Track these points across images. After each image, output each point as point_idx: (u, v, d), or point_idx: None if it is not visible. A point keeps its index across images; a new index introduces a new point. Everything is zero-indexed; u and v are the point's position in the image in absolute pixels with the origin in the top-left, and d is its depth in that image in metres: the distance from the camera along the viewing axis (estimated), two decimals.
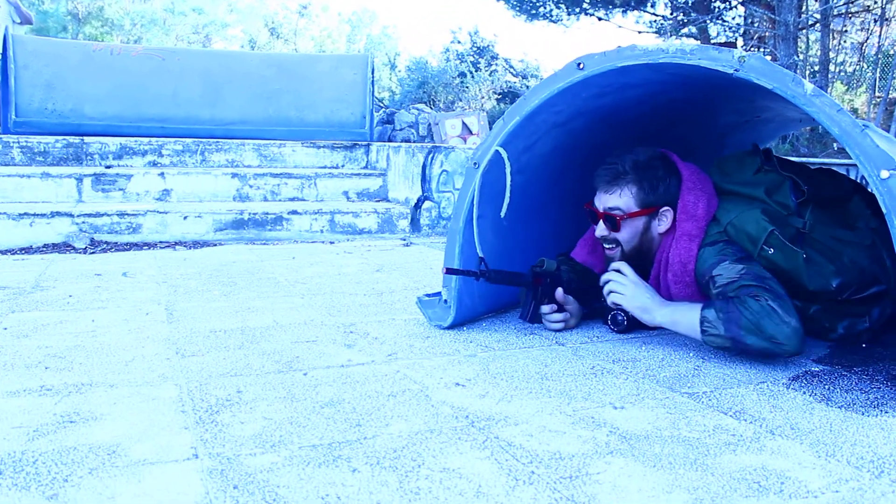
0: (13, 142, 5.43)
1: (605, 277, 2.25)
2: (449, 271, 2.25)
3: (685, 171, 2.27)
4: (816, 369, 2.01)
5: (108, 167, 5.42)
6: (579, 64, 2.09)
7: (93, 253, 4.10)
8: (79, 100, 6.18)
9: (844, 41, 13.07)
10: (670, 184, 2.24)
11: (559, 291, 2.34)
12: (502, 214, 2.29)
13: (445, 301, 2.40)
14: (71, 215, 4.45)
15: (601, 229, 2.28)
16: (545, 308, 2.35)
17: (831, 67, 11.60)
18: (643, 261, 2.31)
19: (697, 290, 2.20)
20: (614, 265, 2.25)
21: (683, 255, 2.19)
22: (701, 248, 2.18)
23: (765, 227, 2.12)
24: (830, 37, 11.66)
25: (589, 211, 2.33)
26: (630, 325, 2.29)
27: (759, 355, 1.97)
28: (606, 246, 2.30)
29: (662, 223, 2.25)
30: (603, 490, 1.27)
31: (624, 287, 2.20)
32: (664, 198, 2.24)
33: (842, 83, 12.82)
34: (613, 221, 2.25)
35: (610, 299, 2.24)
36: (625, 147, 2.28)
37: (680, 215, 2.22)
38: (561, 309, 2.36)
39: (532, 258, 2.43)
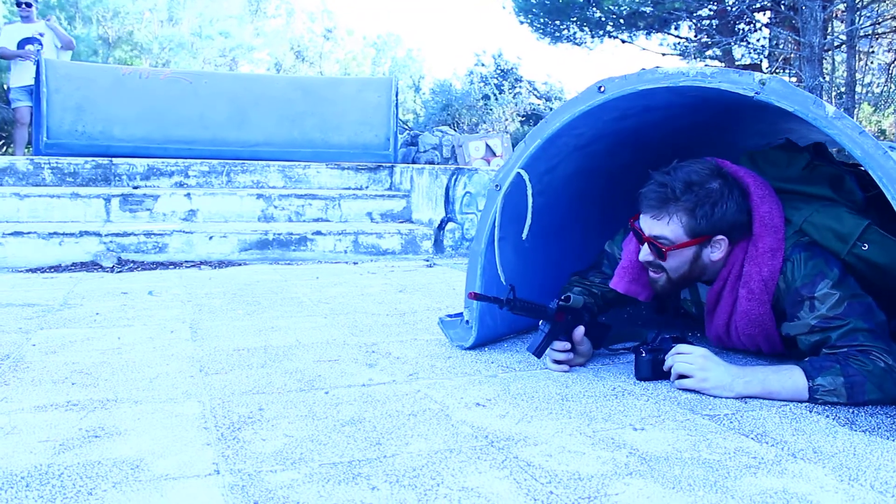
0: (44, 163, 5.53)
1: (670, 360, 2.00)
2: (475, 297, 2.07)
3: (749, 180, 2.06)
4: None
5: (135, 188, 5.50)
6: (600, 87, 2.10)
7: (120, 272, 4.15)
8: (108, 122, 6.29)
9: (871, 62, 12.98)
10: (729, 204, 1.99)
11: (579, 331, 2.15)
12: (524, 236, 2.30)
13: (467, 322, 2.41)
14: (99, 235, 4.52)
15: (645, 254, 2.08)
16: (557, 344, 2.15)
17: (858, 89, 11.53)
18: (692, 282, 2.17)
19: (767, 317, 2.02)
20: (677, 348, 2.01)
21: (766, 273, 1.98)
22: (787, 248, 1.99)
23: (858, 223, 1.94)
24: (857, 58, 11.60)
25: (633, 229, 2.12)
26: (655, 375, 2.06)
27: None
28: (651, 270, 2.11)
29: (716, 252, 2.04)
30: None
31: (697, 368, 1.94)
32: (720, 225, 2.00)
33: (869, 104, 12.74)
34: (659, 250, 2.04)
35: (682, 385, 1.97)
36: (677, 160, 2.08)
37: (759, 229, 2.00)
38: (572, 349, 2.18)
39: (553, 279, 2.43)
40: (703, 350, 1.96)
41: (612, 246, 2.38)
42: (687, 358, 1.95)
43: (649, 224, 2.04)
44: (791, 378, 1.87)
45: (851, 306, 1.87)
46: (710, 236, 2.01)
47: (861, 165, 1.76)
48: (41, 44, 7.77)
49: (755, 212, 2.02)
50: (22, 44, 7.66)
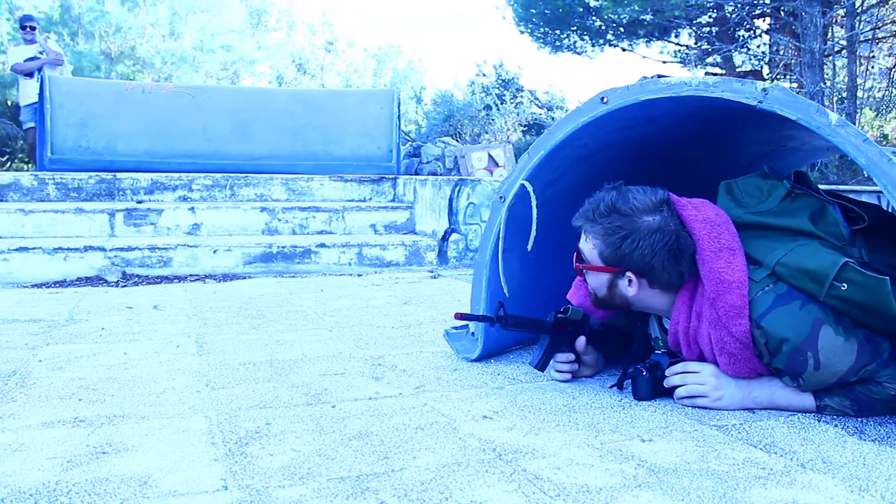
0: (48, 178, 5.55)
1: (674, 378, 1.94)
2: (461, 317, 2.04)
3: (703, 233, 1.84)
4: None
5: (139, 202, 5.51)
6: (603, 98, 2.10)
7: (125, 286, 4.16)
8: (111, 137, 6.31)
9: (872, 67, 12.99)
10: (642, 245, 1.85)
11: (581, 341, 2.11)
12: (529, 248, 2.30)
13: (473, 333, 2.41)
14: (103, 249, 4.53)
15: (574, 261, 2.02)
16: (560, 356, 2.13)
17: (859, 94, 11.53)
18: (624, 309, 2.04)
19: (758, 366, 1.85)
20: (685, 366, 1.93)
21: (739, 333, 1.78)
22: (757, 304, 1.78)
23: (834, 261, 1.72)
24: (857, 63, 11.61)
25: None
26: (655, 394, 1.99)
27: None
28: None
29: (631, 287, 1.91)
30: None
31: (711, 388, 1.88)
32: (626, 262, 1.87)
33: (871, 109, 12.74)
34: (577, 263, 2.01)
35: (694, 404, 1.90)
36: (628, 183, 1.95)
37: (715, 287, 1.80)
38: (577, 360, 2.14)
39: (559, 290, 2.43)
40: (713, 367, 1.89)
41: None
42: (698, 378, 1.90)
43: (581, 236, 1.98)
44: (799, 396, 1.84)
45: (857, 342, 1.74)
46: (620, 269, 1.90)
47: (849, 194, 1.74)
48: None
49: (705, 266, 1.82)
50: (26, 62, 7.79)
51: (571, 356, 2.14)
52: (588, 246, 1.94)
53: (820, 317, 1.74)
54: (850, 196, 2.03)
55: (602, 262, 1.92)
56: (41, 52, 7.97)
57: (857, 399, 1.79)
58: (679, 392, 1.92)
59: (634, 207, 1.86)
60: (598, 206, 1.91)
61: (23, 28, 8.23)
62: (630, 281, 1.90)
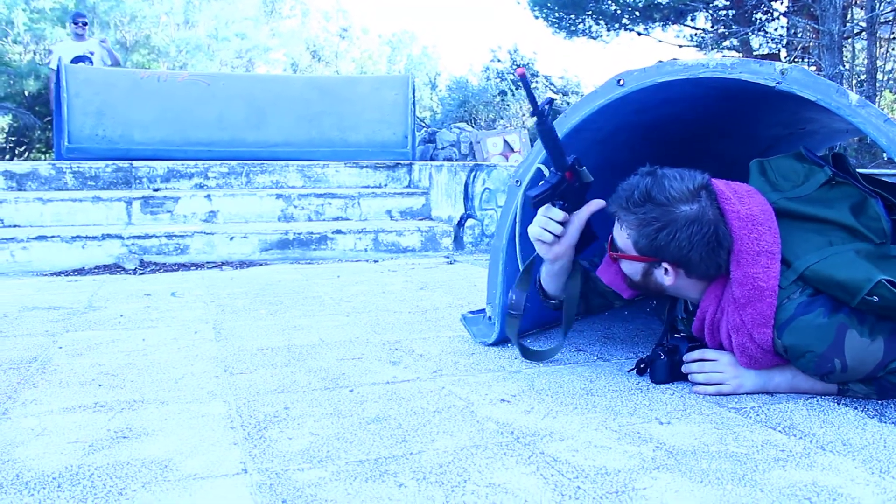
0: (66, 167, 5.58)
1: (691, 365, 1.91)
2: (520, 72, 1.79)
3: (742, 227, 1.74)
4: None
5: (156, 190, 5.54)
6: (619, 80, 2.09)
7: (142, 274, 4.19)
8: (128, 126, 6.35)
9: (892, 49, 12.83)
10: (680, 237, 1.75)
11: (586, 210, 1.98)
12: None
13: (490, 318, 2.41)
14: (121, 237, 4.56)
15: (609, 249, 1.94)
16: (553, 211, 1.95)
17: (879, 76, 11.40)
18: (661, 295, 1.97)
19: (780, 360, 1.82)
20: (702, 353, 1.90)
21: (763, 340, 1.74)
22: (780, 312, 1.72)
23: (868, 277, 1.62)
24: (877, 45, 11.47)
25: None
26: (672, 377, 1.97)
27: None
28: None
29: (667, 277, 1.83)
30: None
31: (730, 377, 1.85)
32: (662, 253, 1.78)
33: (890, 92, 12.60)
34: (611, 251, 1.92)
35: (718, 391, 1.86)
36: (667, 167, 1.83)
37: (746, 292, 1.73)
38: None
39: None
40: (731, 356, 1.86)
41: None
42: (716, 366, 1.87)
43: (615, 223, 1.88)
44: (820, 382, 1.82)
45: (886, 341, 1.70)
46: (656, 259, 1.81)
47: (882, 179, 1.69)
48: (91, 62, 7.89)
49: (740, 269, 1.74)
50: (74, 62, 7.76)
51: (564, 215, 1.96)
52: (622, 235, 1.84)
53: (844, 321, 1.68)
54: (886, 180, 1.92)
55: (637, 251, 1.82)
56: (91, 52, 7.98)
57: (882, 386, 1.77)
58: (696, 379, 1.89)
59: (670, 196, 1.75)
60: (631, 195, 1.79)
61: (75, 23, 8.28)
62: (666, 271, 1.82)
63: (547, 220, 1.96)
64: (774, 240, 1.74)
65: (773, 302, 1.71)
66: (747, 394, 1.86)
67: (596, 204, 1.98)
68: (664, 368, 1.96)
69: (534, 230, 1.99)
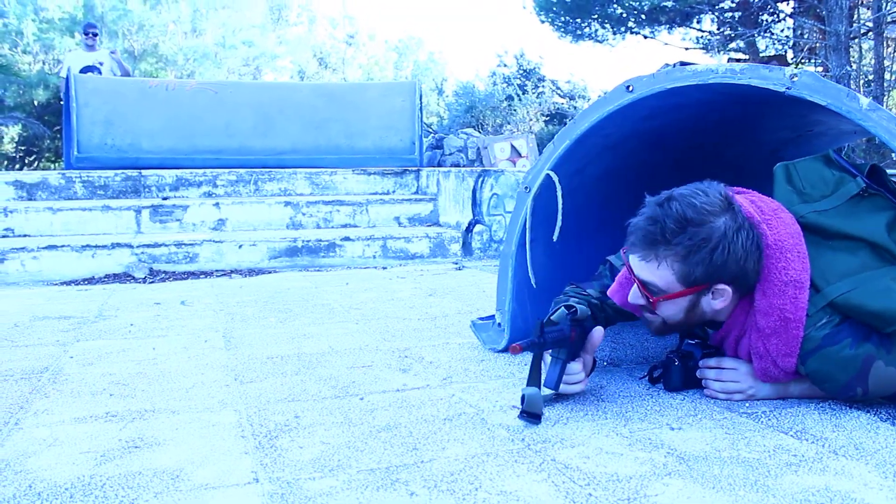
0: (75, 176, 5.61)
1: (708, 372, 1.87)
2: (514, 350, 1.69)
3: (771, 255, 1.68)
4: None
5: (164, 199, 5.56)
6: (628, 87, 2.09)
7: (152, 282, 4.20)
8: (136, 135, 6.37)
9: None
10: (734, 249, 1.64)
11: (598, 333, 1.85)
12: (555, 238, 2.30)
13: (499, 324, 2.41)
14: (130, 246, 4.58)
15: (635, 296, 1.78)
16: (574, 366, 1.82)
17: (887, 76, 11.35)
18: (694, 327, 1.88)
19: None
20: (719, 361, 1.86)
21: (787, 366, 1.72)
22: (805, 342, 1.68)
23: None
24: (885, 45, 11.43)
25: (625, 262, 1.80)
26: (686, 384, 1.94)
27: None
28: (645, 312, 1.82)
29: (717, 300, 1.72)
30: None
31: (747, 386, 1.82)
32: (720, 273, 1.67)
33: None
34: (648, 298, 1.75)
35: (732, 399, 1.84)
36: (675, 186, 1.74)
37: (774, 324, 1.68)
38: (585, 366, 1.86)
39: (584, 279, 2.42)
40: (748, 366, 1.82)
41: (617, 259, 2.06)
42: (733, 375, 1.83)
43: (638, 265, 1.73)
44: None
45: None
46: (709, 284, 1.70)
47: None
48: (100, 72, 7.93)
49: (766, 299, 1.69)
50: (83, 72, 7.81)
51: (579, 366, 1.83)
52: (662, 274, 1.68)
53: (872, 353, 1.64)
54: None
55: (686, 285, 1.68)
56: (100, 63, 8.03)
57: None
58: (712, 386, 1.86)
59: (706, 212, 1.64)
60: (664, 226, 1.65)
61: (86, 34, 8.34)
62: (716, 293, 1.71)
63: (574, 384, 1.83)
64: (804, 267, 1.67)
65: (800, 333, 1.66)
66: (763, 399, 1.85)
67: (599, 335, 1.85)
68: (678, 374, 1.93)
69: (570, 389, 1.83)
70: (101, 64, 8.00)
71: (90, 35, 8.24)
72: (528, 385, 1.73)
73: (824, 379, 1.71)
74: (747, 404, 1.82)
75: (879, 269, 1.66)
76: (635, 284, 1.76)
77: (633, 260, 1.74)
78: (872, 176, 1.78)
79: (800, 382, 1.83)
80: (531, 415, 1.70)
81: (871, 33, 11.56)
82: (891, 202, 1.74)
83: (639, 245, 1.71)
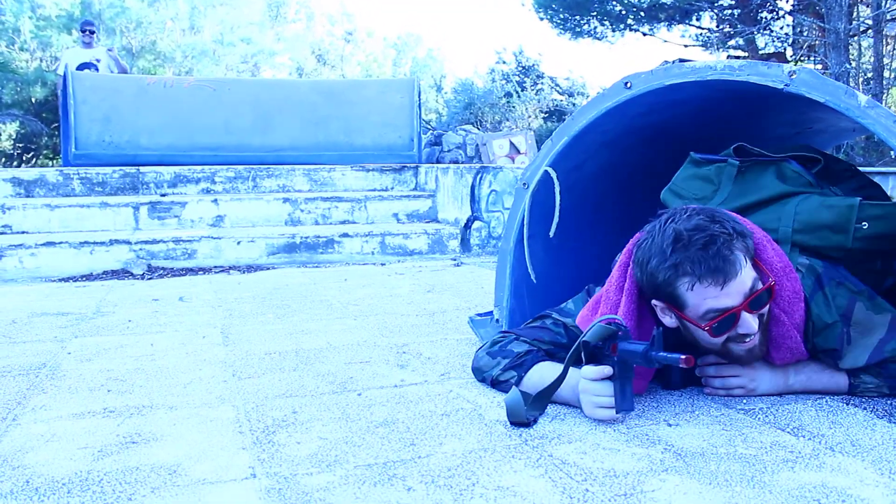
0: (73, 173, 5.61)
1: (708, 369, 1.84)
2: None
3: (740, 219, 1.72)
4: None
5: (163, 195, 5.56)
6: (627, 83, 2.09)
7: (150, 279, 4.20)
8: (134, 131, 6.37)
9: None
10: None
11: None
12: (551, 234, 2.30)
13: (497, 321, 2.41)
14: (129, 243, 4.58)
15: (753, 323, 1.64)
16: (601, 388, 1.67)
17: (886, 74, 11.35)
18: None
19: (801, 348, 1.77)
20: (716, 358, 1.80)
21: (799, 317, 1.72)
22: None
23: (850, 205, 1.74)
24: (884, 42, 11.42)
25: (717, 325, 1.63)
26: (685, 382, 1.91)
27: None
28: (746, 342, 1.69)
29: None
30: None
31: (748, 380, 1.80)
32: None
33: None
34: (766, 296, 1.65)
35: (733, 395, 1.82)
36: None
37: (775, 277, 1.69)
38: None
39: (582, 276, 2.42)
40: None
41: (563, 314, 1.96)
42: (734, 370, 1.81)
43: (735, 285, 1.59)
44: (833, 379, 1.81)
45: (887, 322, 1.74)
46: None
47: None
48: (97, 69, 7.90)
49: (758, 257, 1.70)
50: (80, 69, 7.77)
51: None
52: (748, 269, 1.61)
53: (854, 295, 1.75)
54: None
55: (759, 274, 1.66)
56: (97, 60, 8.00)
57: (891, 374, 1.77)
58: (714, 383, 1.84)
59: (705, 221, 1.62)
60: (719, 227, 1.60)
61: (83, 31, 8.31)
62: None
63: (606, 408, 1.67)
64: (763, 233, 1.75)
65: (796, 276, 1.71)
66: (765, 393, 1.83)
67: None
68: (678, 373, 1.89)
69: (603, 414, 1.68)
70: (98, 61, 7.98)
71: (87, 32, 8.22)
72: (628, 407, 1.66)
73: (822, 323, 1.73)
74: (745, 401, 1.82)
75: (794, 199, 1.85)
76: (743, 315, 1.62)
77: (726, 288, 1.59)
78: (740, 154, 1.96)
79: (798, 373, 1.83)
80: (517, 423, 1.68)
81: (870, 31, 11.55)
82: (763, 163, 1.91)
83: (718, 265, 1.57)
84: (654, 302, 1.73)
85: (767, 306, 1.68)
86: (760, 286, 1.63)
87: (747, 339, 1.67)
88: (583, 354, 1.68)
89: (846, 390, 1.82)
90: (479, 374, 2.00)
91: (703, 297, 1.59)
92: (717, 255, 1.56)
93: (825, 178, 1.95)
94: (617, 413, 1.65)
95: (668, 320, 1.73)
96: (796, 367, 1.83)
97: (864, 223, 1.74)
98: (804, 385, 1.84)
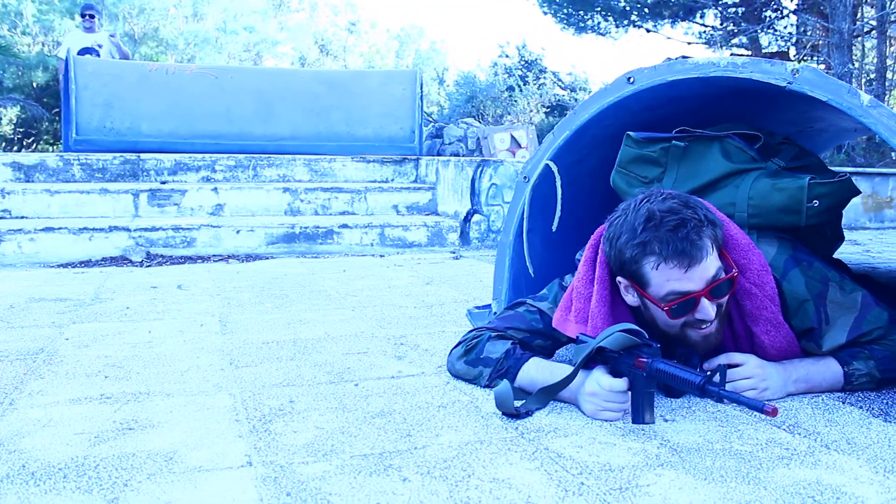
0: (73, 159, 5.60)
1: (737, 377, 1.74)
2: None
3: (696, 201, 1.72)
4: None
5: (163, 183, 5.55)
6: (629, 78, 2.09)
7: (149, 266, 4.20)
8: (136, 118, 6.35)
9: None
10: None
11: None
12: (554, 228, 2.30)
13: (496, 313, 2.41)
14: (128, 230, 4.57)
15: (711, 311, 1.64)
16: (609, 393, 1.66)
17: (889, 75, 11.34)
18: None
19: (793, 339, 1.79)
20: (729, 357, 1.76)
21: (771, 290, 1.73)
22: (775, 271, 1.76)
23: (799, 186, 1.78)
24: (888, 43, 11.41)
25: (677, 307, 1.64)
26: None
27: None
28: (703, 328, 1.69)
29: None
30: (653, 502, 1.27)
31: (758, 380, 1.75)
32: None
33: None
34: (726, 286, 1.67)
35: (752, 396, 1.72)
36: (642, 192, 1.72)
37: (742, 253, 1.73)
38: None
39: None
40: (754, 357, 1.77)
41: (569, 279, 1.97)
42: (744, 371, 1.75)
43: (698, 271, 1.60)
44: (829, 369, 1.81)
45: (860, 300, 1.80)
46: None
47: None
48: (98, 54, 7.85)
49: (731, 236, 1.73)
50: (81, 53, 7.72)
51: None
52: (714, 259, 1.63)
53: (826, 274, 1.79)
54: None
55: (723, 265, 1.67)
56: (99, 45, 7.96)
57: (877, 356, 1.80)
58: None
59: (678, 204, 1.64)
60: (692, 212, 1.61)
61: (83, 16, 8.24)
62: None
63: (616, 411, 1.68)
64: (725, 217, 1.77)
65: (759, 251, 1.74)
66: (774, 397, 1.77)
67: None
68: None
69: (612, 416, 1.68)
70: (100, 46, 7.93)
71: (88, 17, 8.16)
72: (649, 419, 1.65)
73: (799, 302, 1.76)
74: None
75: (744, 180, 1.88)
76: (703, 302, 1.62)
77: (689, 272, 1.60)
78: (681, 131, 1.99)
79: (797, 366, 1.81)
80: (508, 414, 1.68)
81: (874, 31, 11.54)
82: (709, 138, 1.94)
83: (686, 248, 1.58)
84: (618, 279, 1.74)
85: (726, 298, 1.69)
86: (723, 276, 1.65)
87: (703, 326, 1.68)
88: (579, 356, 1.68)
89: (842, 381, 1.82)
90: (462, 380, 1.97)
91: (667, 278, 1.61)
92: (685, 239, 1.58)
93: (764, 152, 1.98)
94: (634, 423, 1.65)
95: (630, 298, 1.75)
96: (794, 363, 1.83)
97: (814, 202, 1.79)
98: (805, 377, 1.82)
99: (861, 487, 1.33)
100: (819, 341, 1.80)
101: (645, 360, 1.62)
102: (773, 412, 1.41)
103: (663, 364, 1.60)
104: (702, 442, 1.54)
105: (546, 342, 1.95)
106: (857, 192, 1.89)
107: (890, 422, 1.67)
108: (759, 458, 1.46)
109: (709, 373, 1.55)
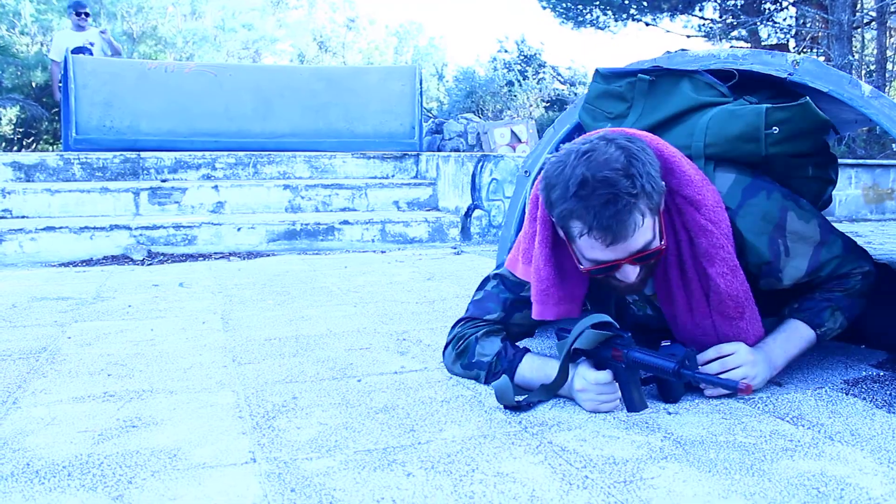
0: (74, 158, 5.59)
1: (712, 366, 1.73)
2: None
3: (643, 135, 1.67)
4: (877, 374, 1.96)
5: (163, 181, 5.55)
6: None
7: (150, 264, 4.20)
8: (135, 116, 6.35)
9: None
10: (654, 161, 1.59)
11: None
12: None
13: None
14: (129, 228, 4.57)
15: (632, 274, 1.60)
16: (597, 385, 1.67)
17: (889, 66, 11.32)
18: None
19: (747, 285, 1.72)
20: (720, 349, 1.74)
21: (726, 227, 1.67)
22: (730, 200, 1.72)
23: (756, 112, 1.74)
24: (888, 35, 11.39)
25: (595, 271, 1.62)
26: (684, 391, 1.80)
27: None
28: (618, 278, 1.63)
29: (658, 241, 1.63)
30: (658, 495, 1.27)
31: (749, 367, 1.72)
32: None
33: None
34: (653, 256, 1.62)
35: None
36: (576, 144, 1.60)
37: (696, 190, 1.66)
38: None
39: None
40: (743, 345, 1.74)
41: (509, 273, 1.94)
42: (736, 359, 1.72)
43: (624, 245, 1.54)
44: (801, 336, 1.83)
45: (819, 228, 1.79)
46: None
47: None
48: (91, 53, 7.81)
49: (673, 175, 1.66)
50: (74, 53, 7.67)
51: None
52: (647, 223, 1.55)
53: (786, 203, 1.75)
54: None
55: (658, 232, 1.60)
56: (91, 43, 7.91)
57: (843, 306, 1.83)
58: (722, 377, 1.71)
59: (633, 151, 1.54)
60: (625, 175, 1.50)
61: (77, 14, 8.18)
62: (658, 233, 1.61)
63: (608, 402, 1.69)
64: (684, 158, 1.70)
65: (712, 185, 1.69)
66: (761, 384, 1.77)
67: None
68: (679, 386, 1.74)
69: (604, 407, 1.69)
70: (91, 44, 7.88)
71: (80, 15, 8.10)
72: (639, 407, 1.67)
73: (751, 234, 1.71)
74: None
75: (707, 113, 1.83)
76: (626, 267, 1.58)
77: (613, 246, 1.54)
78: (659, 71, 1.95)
79: (774, 342, 1.80)
80: (509, 407, 1.69)
81: (874, 23, 11.51)
82: (676, 74, 1.90)
83: (612, 220, 1.50)
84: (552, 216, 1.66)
85: (653, 262, 1.64)
86: (654, 246, 1.59)
87: (619, 278, 1.63)
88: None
89: (815, 342, 1.84)
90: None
91: (590, 247, 1.56)
92: (613, 216, 1.49)
93: (740, 90, 1.91)
94: (629, 412, 1.66)
95: (561, 232, 1.66)
96: (771, 340, 1.81)
97: (774, 128, 1.73)
98: (783, 349, 1.80)
99: (865, 478, 1.33)
100: (779, 275, 1.77)
101: (620, 351, 1.64)
102: (748, 389, 1.43)
103: (638, 353, 1.62)
104: (705, 434, 1.54)
105: (522, 316, 1.90)
106: (825, 121, 1.75)
107: (894, 413, 1.67)
108: (763, 451, 1.46)
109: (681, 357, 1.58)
